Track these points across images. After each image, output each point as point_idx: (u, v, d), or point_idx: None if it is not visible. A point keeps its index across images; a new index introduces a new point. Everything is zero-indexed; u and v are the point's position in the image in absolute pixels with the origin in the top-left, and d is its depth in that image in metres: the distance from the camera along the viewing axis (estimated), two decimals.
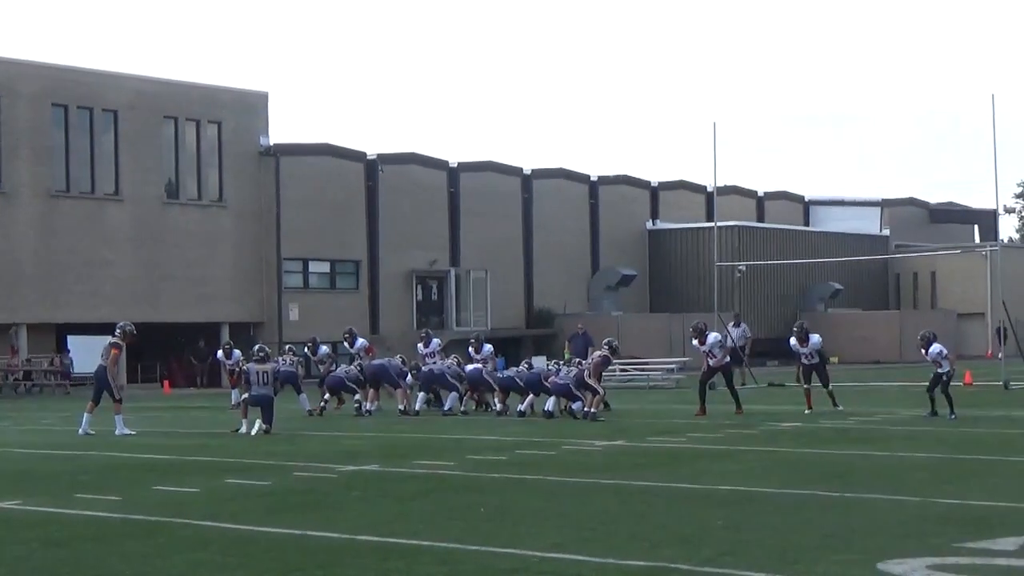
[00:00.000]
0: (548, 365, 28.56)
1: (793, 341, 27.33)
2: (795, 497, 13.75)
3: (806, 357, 27.17)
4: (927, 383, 25.46)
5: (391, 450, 19.56)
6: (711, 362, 27.27)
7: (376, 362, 29.49)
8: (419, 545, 10.99)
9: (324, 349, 31.58)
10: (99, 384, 24.02)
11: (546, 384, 26.88)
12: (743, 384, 38.70)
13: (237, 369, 30.17)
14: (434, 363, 29.07)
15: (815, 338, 27.13)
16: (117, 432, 23.19)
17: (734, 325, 40.27)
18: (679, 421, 24.50)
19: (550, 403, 26.55)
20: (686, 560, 10.06)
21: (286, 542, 11.32)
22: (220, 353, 33.91)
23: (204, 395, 41.39)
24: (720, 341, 27.76)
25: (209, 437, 23.15)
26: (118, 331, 24.53)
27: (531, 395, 27.22)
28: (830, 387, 27.07)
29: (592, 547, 10.71)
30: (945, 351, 25.23)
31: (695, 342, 27.65)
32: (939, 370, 24.99)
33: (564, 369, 26.98)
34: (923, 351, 25.44)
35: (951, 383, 25.22)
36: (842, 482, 14.74)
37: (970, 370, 39.02)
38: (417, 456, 18.40)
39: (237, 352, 32.53)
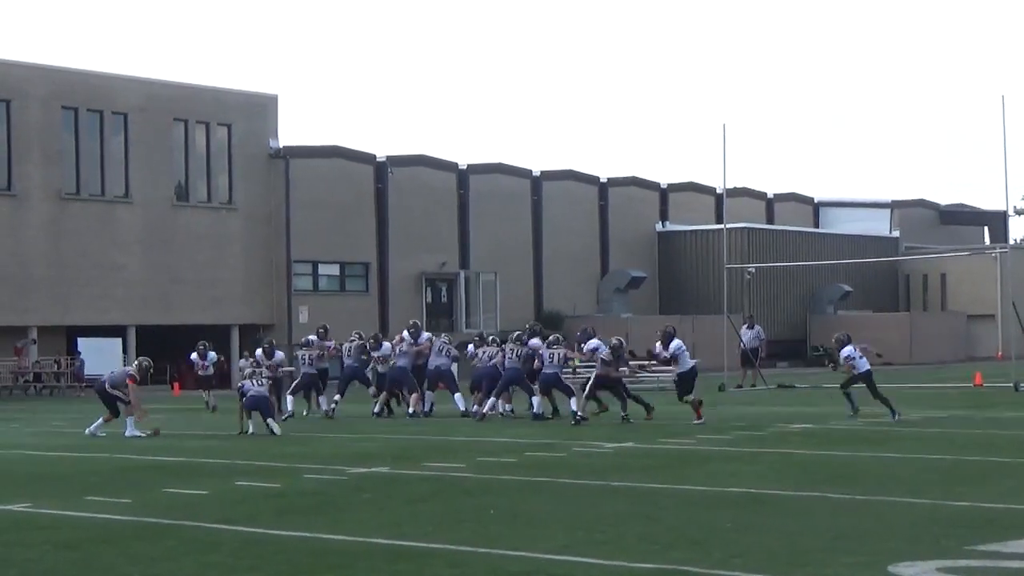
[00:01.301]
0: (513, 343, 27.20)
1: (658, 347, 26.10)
2: (805, 499, 13.73)
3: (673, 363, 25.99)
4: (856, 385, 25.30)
5: (401, 452, 19.56)
6: (598, 369, 26.22)
7: (400, 364, 28.78)
8: (429, 547, 11.00)
9: (387, 346, 29.35)
10: (104, 397, 24.05)
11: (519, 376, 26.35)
12: (753, 385, 38.69)
13: (210, 371, 29.82)
14: (442, 360, 28.63)
15: (675, 343, 25.64)
16: (127, 433, 23.22)
17: (747, 327, 40.24)
18: (688, 423, 24.48)
19: (536, 403, 26.23)
20: (696, 563, 10.05)
21: (296, 544, 11.33)
22: (194, 355, 32.78)
23: (214, 397, 41.31)
24: (598, 347, 26.45)
25: (219, 439, 23.17)
26: (135, 365, 24.70)
27: (539, 395, 26.48)
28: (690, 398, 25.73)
29: (602, 549, 10.70)
30: (856, 353, 24.97)
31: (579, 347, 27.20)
32: (855, 372, 24.90)
33: (547, 352, 26.40)
34: (838, 353, 25.35)
35: (853, 383, 25.06)
36: (852, 484, 14.72)
37: (980, 371, 38.94)
38: (427, 458, 18.40)
39: (212, 355, 31.73)
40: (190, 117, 49.99)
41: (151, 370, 25.20)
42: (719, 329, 41.93)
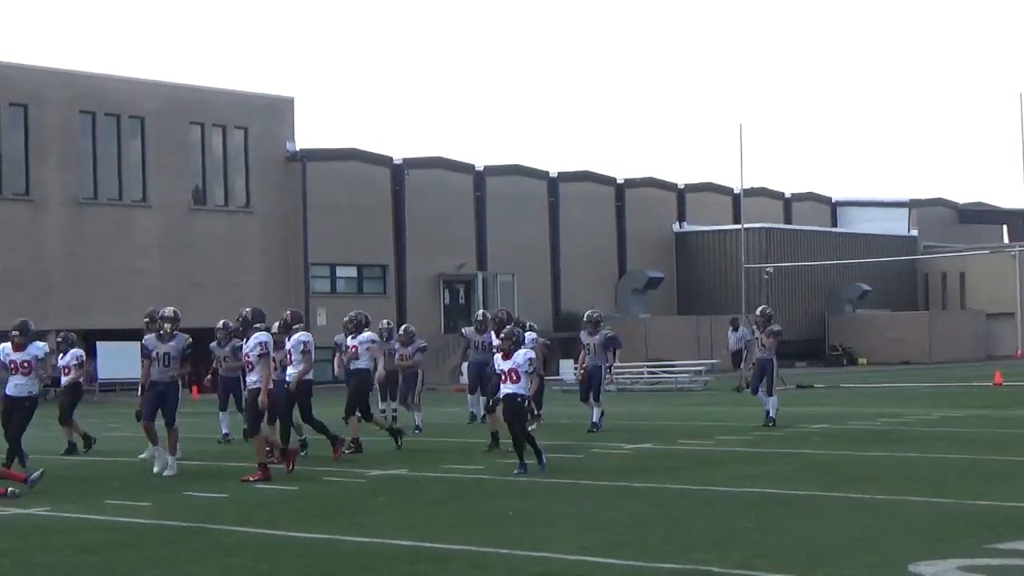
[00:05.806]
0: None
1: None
2: (825, 499, 13.70)
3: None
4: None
5: (420, 454, 19.56)
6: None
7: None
8: (449, 549, 11.00)
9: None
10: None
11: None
12: (740, 389, 38.54)
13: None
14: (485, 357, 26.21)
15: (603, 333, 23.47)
16: None
17: (732, 329, 40.10)
18: (708, 424, 24.43)
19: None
20: (717, 563, 10.04)
21: (318, 547, 11.34)
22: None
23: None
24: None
25: (237, 442, 23.14)
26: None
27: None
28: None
29: (622, 550, 10.70)
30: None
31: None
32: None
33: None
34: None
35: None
36: (872, 484, 14.68)
37: (1000, 370, 38.81)
38: (446, 460, 18.41)
39: (78, 351, 23.91)
40: (207, 120, 50.10)
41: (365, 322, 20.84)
42: None
